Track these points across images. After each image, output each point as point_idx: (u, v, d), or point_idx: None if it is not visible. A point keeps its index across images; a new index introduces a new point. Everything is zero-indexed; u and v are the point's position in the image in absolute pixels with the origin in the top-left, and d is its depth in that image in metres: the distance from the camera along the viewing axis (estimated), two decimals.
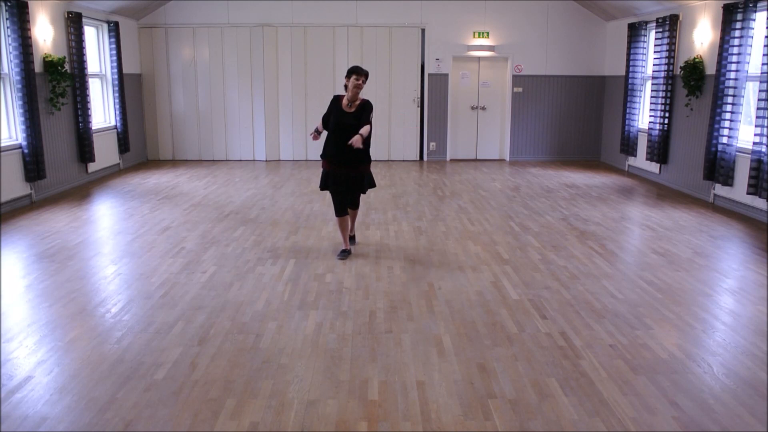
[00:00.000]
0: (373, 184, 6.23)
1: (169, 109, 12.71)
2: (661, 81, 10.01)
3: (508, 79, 12.79)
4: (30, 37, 8.35)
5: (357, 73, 5.84)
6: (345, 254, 6.19)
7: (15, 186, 8.28)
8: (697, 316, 4.74)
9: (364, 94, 6.43)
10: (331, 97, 6.20)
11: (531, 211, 8.22)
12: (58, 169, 9.37)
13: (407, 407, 3.44)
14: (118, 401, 3.49)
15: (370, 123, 5.94)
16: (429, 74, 12.66)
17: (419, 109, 12.73)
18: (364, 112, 5.86)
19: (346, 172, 5.99)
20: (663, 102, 10.02)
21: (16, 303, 4.96)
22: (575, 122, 12.94)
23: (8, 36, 8.20)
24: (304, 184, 10.12)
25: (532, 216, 7.96)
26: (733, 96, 8.18)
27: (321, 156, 6.08)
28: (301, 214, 8.03)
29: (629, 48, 11.19)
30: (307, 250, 6.44)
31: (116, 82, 11.22)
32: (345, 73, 5.96)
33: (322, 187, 6.17)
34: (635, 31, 11.02)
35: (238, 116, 12.73)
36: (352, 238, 6.58)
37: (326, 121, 6.01)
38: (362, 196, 6.58)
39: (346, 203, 6.15)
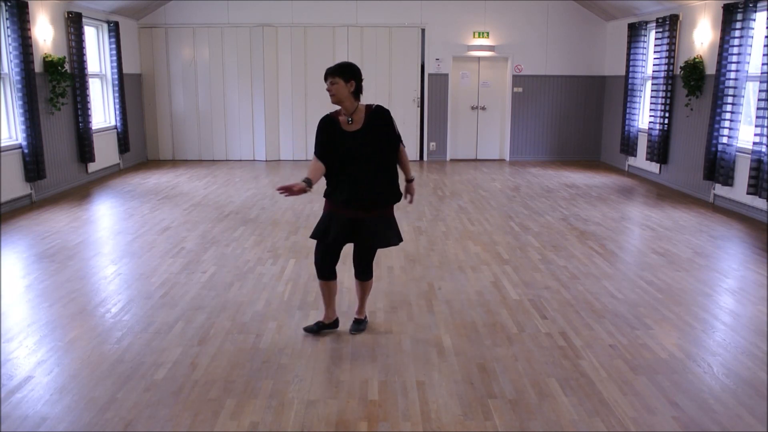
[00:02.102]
0: (399, 237, 4.31)
1: (169, 109, 12.71)
2: (661, 81, 10.01)
3: (508, 79, 12.79)
4: (30, 37, 8.35)
5: (329, 74, 4.04)
6: (320, 327, 4.37)
7: (15, 186, 8.28)
8: (697, 316, 4.74)
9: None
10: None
11: (531, 211, 8.22)
12: (58, 169, 9.37)
13: (407, 407, 3.44)
14: (118, 401, 3.49)
15: (400, 140, 4.24)
16: (429, 74, 12.66)
17: (419, 109, 12.74)
18: (382, 125, 4.11)
19: (364, 217, 4.12)
20: (663, 102, 10.01)
21: (16, 303, 4.96)
22: (575, 122, 12.93)
23: (8, 36, 8.20)
24: None
25: (532, 216, 7.96)
26: (733, 96, 8.18)
27: (329, 198, 4.19)
28: (301, 214, 8.03)
29: (629, 48, 11.19)
30: (307, 250, 6.43)
31: (116, 82, 11.21)
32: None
33: (319, 235, 4.18)
34: (635, 31, 11.01)
35: (238, 116, 12.73)
36: (359, 322, 4.47)
37: (326, 153, 4.07)
38: None
39: (335, 262, 4.26)
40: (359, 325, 4.47)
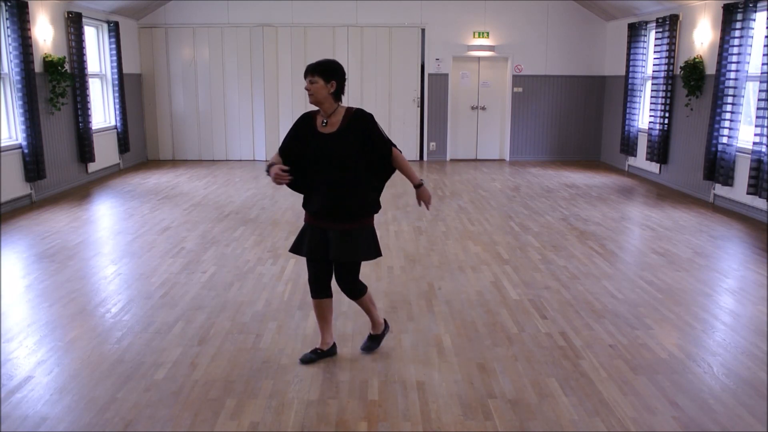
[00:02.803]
0: (378, 251, 3.88)
1: (169, 109, 12.71)
2: (661, 81, 10.01)
3: (508, 79, 12.79)
4: (30, 37, 8.35)
5: (309, 72, 3.69)
6: (318, 355, 3.98)
7: (15, 186, 8.27)
8: (697, 316, 4.74)
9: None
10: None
11: (531, 211, 8.22)
12: (58, 169, 9.37)
13: (407, 407, 3.44)
14: (118, 401, 3.49)
15: (391, 145, 3.83)
16: (429, 74, 12.65)
17: (419, 109, 12.73)
18: (361, 131, 3.69)
19: (335, 228, 3.77)
20: (663, 102, 10.02)
21: (16, 303, 4.96)
22: (575, 122, 12.94)
23: (8, 36, 8.20)
24: None
25: (532, 216, 7.96)
26: (733, 96, 8.18)
27: (304, 207, 3.94)
28: (301, 214, 7.94)
29: (629, 48, 11.19)
30: None
31: (116, 82, 11.22)
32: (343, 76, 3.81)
33: (296, 249, 3.91)
34: (635, 31, 11.01)
35: (238, 116, 12.73)
36: (374, 338, 4.15)
37: (290, 151, 3.77)
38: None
39: (327, 278, 3.91)
40: (372, 341, 4.13)
